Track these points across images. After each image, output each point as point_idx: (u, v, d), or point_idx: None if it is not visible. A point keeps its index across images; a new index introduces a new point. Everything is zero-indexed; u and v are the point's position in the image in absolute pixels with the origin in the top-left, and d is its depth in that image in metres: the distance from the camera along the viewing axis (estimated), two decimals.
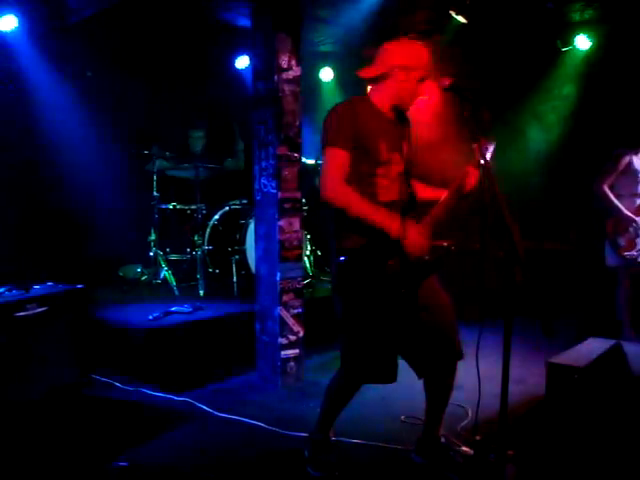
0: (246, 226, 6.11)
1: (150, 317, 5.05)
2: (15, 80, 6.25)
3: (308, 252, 6.53)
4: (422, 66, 3.02)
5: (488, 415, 3.66)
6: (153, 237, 6.48)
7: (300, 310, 4.80)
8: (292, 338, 4.75)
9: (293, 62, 4.69)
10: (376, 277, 2.92)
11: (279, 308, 4.67)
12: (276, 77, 4.60)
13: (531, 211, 7.29)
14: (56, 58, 6.49)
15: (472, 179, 2.96)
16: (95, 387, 4.56)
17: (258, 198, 4.79)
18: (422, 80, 3.05)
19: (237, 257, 6.08)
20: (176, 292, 6.15)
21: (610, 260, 5.54)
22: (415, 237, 2.90)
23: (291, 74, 4.68)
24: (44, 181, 6.45)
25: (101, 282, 6.49)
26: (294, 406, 4.36)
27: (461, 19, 6.52)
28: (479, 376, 2.96)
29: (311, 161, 6.78)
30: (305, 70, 4.91)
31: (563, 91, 7.31)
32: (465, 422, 3.91)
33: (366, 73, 3.09)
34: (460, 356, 3.15)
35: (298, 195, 4.78)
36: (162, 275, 6.37)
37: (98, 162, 6.72)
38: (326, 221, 3.14)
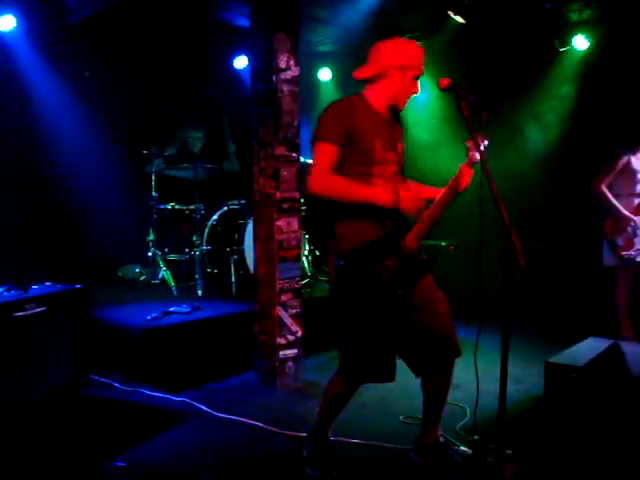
0: (244, 226, 6.11)
1: (148, 317, 5.05)
2: (13, 80, 6.25)
3: (306, 252, 6.53)
4: (417, 65, 3.04)
5: (487, 415, 3.67)
6: (152, 237, 6.49)
7: (298, 310, 4.80)
8: (290, 338, 4.75)
9: (292, 62, 4.69)
10: (374, 278, 2.92)
11: (277, 308, 4.67)
12: (275, 77, 4.60)
13: (529, 211, 7.30)
14: (54, 58, 6.49)
15: (466, 178, 2.97)
16: (94, 387, 4.56)
17: (257, 198, 4.79)
18: (417, 78, 3.06)
19: (235, 257, 6.09)
20: (174, 292, 6.15)
21: (608, 260, 5.54)
22: (408, 198, 2.93)
23: (290, 74, 4.68)
24: (43, 181, 6.45)
25: (100, 282, 6.49)
26: (293, 406, 4.36)
27: (459, 19, 6.53)
28: (477, 376, 2.97)
29: (310, 161, 6.76)
30: (303, 70, 4.91)
31: (561, 91, 7.31)
32: (464, 422, 3.91)
33: (360, 74, 3.10)
34: (457, 354, 3.16)
35: (297, 195, 4.78)
36: (160, 275, 6.37)
37: (97, 162, 6.72)
38: (324, 221, 3.14)
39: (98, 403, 4.36)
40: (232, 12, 6.63)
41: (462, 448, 3.42)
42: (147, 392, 4.53)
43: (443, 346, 3.12)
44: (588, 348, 4.01)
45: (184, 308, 5.33)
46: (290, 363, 4.75)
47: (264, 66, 4.67)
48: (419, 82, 3.09)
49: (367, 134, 2.99)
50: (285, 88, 4.66)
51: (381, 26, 6.58)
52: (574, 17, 6.85)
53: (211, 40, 7.17)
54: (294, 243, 4.76)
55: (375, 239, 2.96)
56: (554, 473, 3.25)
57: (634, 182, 5.44)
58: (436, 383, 3.22)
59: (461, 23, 6.58)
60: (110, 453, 3.52)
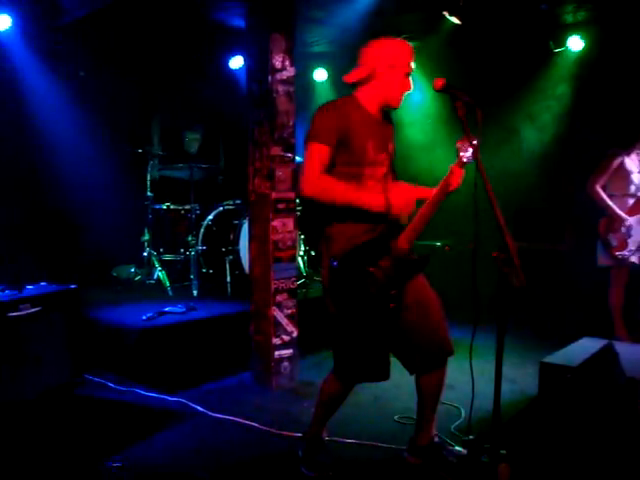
0: (240, 226, 6.11)
1: (144, 317, 5.05)
2: (9, 80, 6.23)
3: (302, 252, 6.53)
4: (405, 62, 3.04)
5: (481, 415, 3.68)
6: (147, 237, 6.48)
7: (294, 310, 4.80)
8: (286, 338, 4.75)
9: (287, 62, 4.69)
10: (367, 279, 2.93)
11: (273, 308, 4.67)
12: (270, 77, 4.60)
13: (524, 211, 7.31)
14: (50, 58, 6.48)
15: (456, 178, 2.98)
16: (88, 387, 4.55)
17: (252, 198, 4.79)
18: (408, 75, 3.06)
19: (231, 257, 6.09)
20: (170, 292, 6.15)
21: (602, 260, 5.56)
22: (399, 200, 2.95)
23: (285, 74, 4.68)
24: (37, 181, 6.44)
25: (94, 282, 6.48)
26: (288, 406, 4.36)
27: (455, 20, 6.53)
28: (472, 376, 2.98)
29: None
30: (299, 70, 4.91)
31: (556, 91, 7.33)
32: (458, 422, 3.92)
33: (351, 77, 3.11)
34: (450, 352, 3.17)
35: (292, 195, 4.78)
36: (156, 275, 6.37)
37: (92, 162, 6.71)
38: (317, 222, 3.15)
39: (93, 403, 4.35)
40: (227, 12, 6.62)
41: (457, 448, 3.43)
42: (142, 392, 4.53)
43: (436, 344, 3.13)
44: (582, 348, 4.02)
45: (179, 308, 5.33)
46: (285, 363, 4.75)
47: (259, 66, 4.67)
48: (411, 79, 3.09)
49: (359, 135, 3.00)
50: (280, 88, 4.66)
51: (376, 27, 6.57)
52: (569, 18, 6.87)
53: (207, 40, 7.17)
54: (289, 243, 4.76)
55: (368, 240, 2.97)
56: (549, 473, 3.26)
57: (628, 182, 5.46)
58: (429, 382, 3.23)
59: (456, 24, 6.59)
60: (105, 453, 3.52)
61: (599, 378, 3.68)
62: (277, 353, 4.70)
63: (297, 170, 4.84)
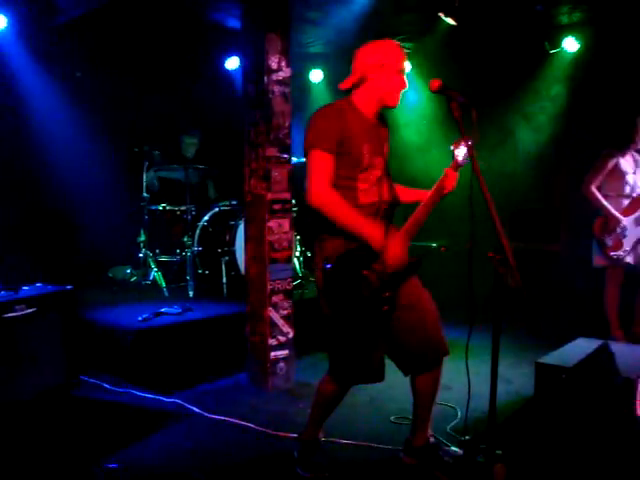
0: (236, 227, 6.11)
1: (139, 318, 5.04)
2: (4, 80, 6.23)
3: (298, 253, 6.53)
4: (395, 60, 3.04)
5: (477, 415, 3.69)
6: (143, 238, 6.47)
7: (290, 311, 4.80)
8: (282, 339, 4.75)
9: (283, 63, 4.69)
10: (361, 282, 2.93)
11: (269, 309, 4.67)
12: (266, 78, 4.60)
13: (520, 212, 7.33)
14: (46, 58, 6.47)
15: (451, 181, 2.99)
16: (84, 388, 4.55)
17: (248, 199, 4.79)
18: (401, 72, 3.07)
19: (227, 258, 6.09)
20: (165, 293, 6.14)
21: (598, 260, 5.57)
22: (395, 251, 2.94)
23: (281, 75, 4.68)
24: (33, 182, 6.43)
25: (90, 283, 6.47)
26: (284, 407, 4.36)
27: (450, 21, 6.55)
28: (469, 377, 2.99)
29: (301, 161, 6.81)
30: (295, 71, 4.92)
31: (552, 92, 7.36)
32: (454, 422, 3.92)
33: (345, 84, 3.11)
34: (445, 352, 3.17)
35: (288, 196, 4.78)
36: (152, 276, 6.36)
37: (88, 163, 6.71)
38: (312, 224, 3.15)
39: (89, 404, 4.35)
40: (223, 13, 6.62)
41: (453, 448, 3.43)
42: (138, 393, 4.53)
43: (431, 345, 3.13)
44: (578, 348, 4.03)
45: (175, 309, 5.33)
46: (281, 364, 4.75)
47: (255, 67, 4.67)
48: (405, 77, 3.09)
49: (356, 141, 3.00)
50: (276, 89, 4.66)
51: (372, 28, 6.58)
52: (564, 19, 6.89)
53: (203, 41, 7.17)
54: (285, 244, 4.76)
55: (361, 243, 2.97)
56: (544, 473, 3.27)
57: (623, 183, 5.48)
58: (425, 382, 3.23)
59: (452, 25, 6.60)
60: (101, 454, 3.52)
61: (595, 378, 3.68)
62: (273, 354, 4.70)
63: (293, 171, 4.85)
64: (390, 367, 3.18)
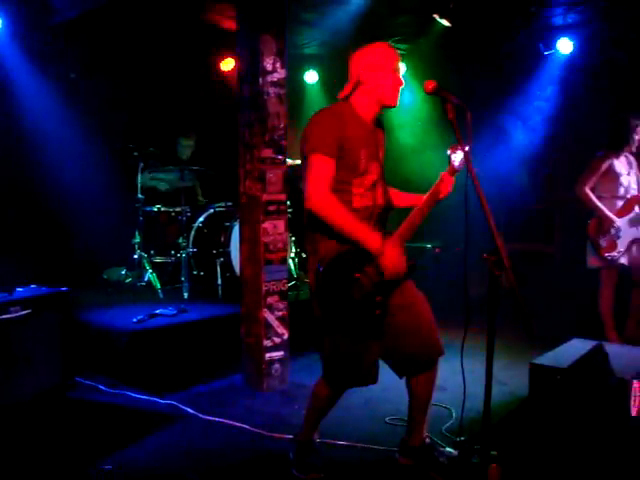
0: (231, 228, 6.11)
1: (134, 320, 5.03)
2: None
3: (293, 254, 6.53)
4: (386, 59, 3.05)
5: (472, 416, 3.69)
6: (137, 239, 6.45)
7: (285, 312, 4.80)
8: (277, 340, 4.75)
9: (278, 64, 4.69)
10: (353, 285, 2.93)
11: (264, 310, 4.67)
12: (261, 79, 4.60)
13: (515, 213, 7.35)
14: (40, 59, 6.46)
15: (447, 186, 2.99)
16: (80, 390, 4.53)
17: (243, 200, 4.79)
18: (394, 71, 3.07)
19: (222, 259, 6.08)
20: (160, 295, 6.13)
21: (592, 261, 5.58)
22: (393, 258, 2.94)
23: (276, 76, 4.69)
24: (27, 182, 6.41)
25: (85, 284, 6.45)
26: (279, 408, 4.36)
27: (445, 22, 6.56)
28: (464, 378, 2.99)
29: (297, 163, 6.80)
30: (290, 72, 4.91)
31: (546, 93, 7.38)
32: (449, 423, 3.93)
33: (342, 93, 3.12)
34: (440, 352, 3.18)
35: (283, 197, 4.78)
36: (146, 277, 6.34)
37: (83, 164, 6.70)
38: (306, 225, 3.14)
39: (84, 406, 4.34)
40: (218, 14, 6.62)
41: (448, 449, 3.44)
42: (133, 395, 4.52)
43: (426, 346, 3.14)
44: (572, 349, 4.04)
45: (170, 310, 5.32)
46: (276, 365, 4.75)
47: (250, 68, 4.67)
48: (400, 75, 3.10)
49: (354, 146, 2.99)
50: (271, 90, 4.66)
51: (367, 29, 6.59)
52: (558, 21, 6.91)
53: (198, 42, 7.16)
54: (280, 245, 4.76)
55: (355, 245, 2.96)
56: (539, 474, 3.27)
57: (617, 184, 5.49)
58: (420, 383, 3.24)
59: (447, 26, 6.62)
60: (96, 456, 3.51)
61: (589, 379, 3.69)
62: (268, 355, 4.70)
63: (289, 172, 4.85)
64: (384, 369, 3.18)
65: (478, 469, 2.72)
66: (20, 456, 3.54)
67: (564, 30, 6.98)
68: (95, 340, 5.03)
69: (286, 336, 4.81)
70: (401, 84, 3.10)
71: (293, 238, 6.50)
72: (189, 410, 4.24)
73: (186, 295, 6.09)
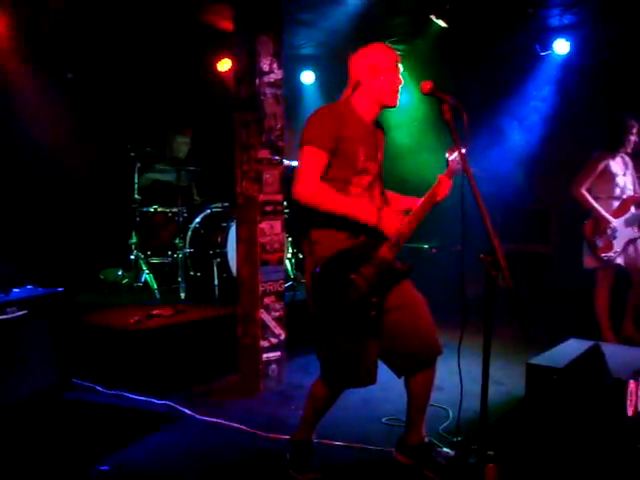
0: (227, 229, 6.11)
1: (131, 320, 5.03)
2: None
3: (290, 255, 6.54)
4: (385, 59, 3.07)
5: (469, 416, 3.70)
6: (134, 240, 6.45)
7: (282, 313, 4.80)
8: (274, 341, 4.75)
9: (275, 65, 4.69)
10: (349, 286, 2.93)
11: (260, 311, 4.67)
12: (258, 80, 4.60)
13: (512, 213, 7.35)
14: (37, 59, 6.44)
15: (444, 189, 3.00)
16: (76, 391, 4.54)
17: (240, 201, 4.79)
18: (393, 70, 3.08)
19: (218, 260, 6.08)
20: (157, 295, 6.13)
21: (588, 262, 5.59)
22: (391, 220, 2.94)
23: (273, 77, 4.69)
24: (23, 183, 6.40)
25: (82, 285, 6.45)
26: (276, 409, 4.36)
27: (441, 23, 6.57)
28: (461, 378, 2.99)
29: (293, 163, 6.80)
30: (287, 73, 4.92)
31: (542, 94, 7.39)
32: (446, 423, 3.94)
33: (344, 96, 3.13)
34: (439, 351, 3.18)
35: (280, 198, 4.78)
36: (143, 278, 6.35)
37: (79, 164, 6.67)
38: (301, 225, 3.15)
39: (81, 407, 4.34)
40: (215, 14, 6.62)
41: (445, 449, 3.44)
42: (130, 395, 4.52)
43: (425, 345, 3.14)
44: (569, 349, 4.04)
45: (167, 311, 5.31)
46: (273, 366, 4.75)
47: (247, 69, 4.67)
48: (399, 74, 3.11)
49: (353, 143, 3.00)
50: (268, 91, 4.67)
51: (364, 30, 6.60)
52: (555, 22, 6.93)
53: (195, 42, 7.16)
54: (277, 246, 4.76)
55: (351, 246, 2.97)
56: (536, 474, 3.28)
57: (613, 185, 5.50)
58: (419, 382, 3.24)
59: (443, 27, 6.62)
60: (94, 457, 3.51)
61: (586, 379, 3.70)
62: (265, 356, 4.70)
63: (286, 173, 4.85)
64: (382, 369, 3.18)
65: (475, 469, 2.72)
66: (18, 457, 3.53)
67: (560, 31, 6.99)
68: (92, 341, 5.02)
69: (283, 337, 4.81)
70: (400, 83, 3.11)
71: (290, 239, 6.50)
72: (186, 411, 4.23)
73: (183, 295, 6.09)
